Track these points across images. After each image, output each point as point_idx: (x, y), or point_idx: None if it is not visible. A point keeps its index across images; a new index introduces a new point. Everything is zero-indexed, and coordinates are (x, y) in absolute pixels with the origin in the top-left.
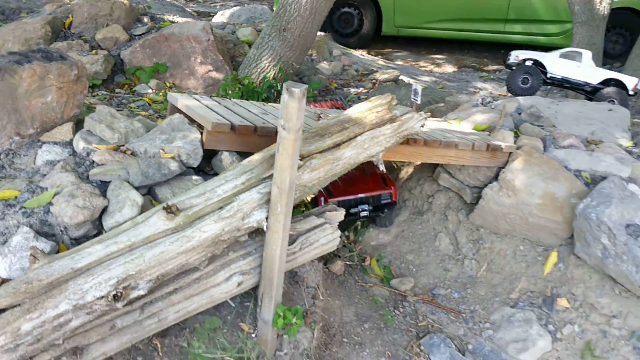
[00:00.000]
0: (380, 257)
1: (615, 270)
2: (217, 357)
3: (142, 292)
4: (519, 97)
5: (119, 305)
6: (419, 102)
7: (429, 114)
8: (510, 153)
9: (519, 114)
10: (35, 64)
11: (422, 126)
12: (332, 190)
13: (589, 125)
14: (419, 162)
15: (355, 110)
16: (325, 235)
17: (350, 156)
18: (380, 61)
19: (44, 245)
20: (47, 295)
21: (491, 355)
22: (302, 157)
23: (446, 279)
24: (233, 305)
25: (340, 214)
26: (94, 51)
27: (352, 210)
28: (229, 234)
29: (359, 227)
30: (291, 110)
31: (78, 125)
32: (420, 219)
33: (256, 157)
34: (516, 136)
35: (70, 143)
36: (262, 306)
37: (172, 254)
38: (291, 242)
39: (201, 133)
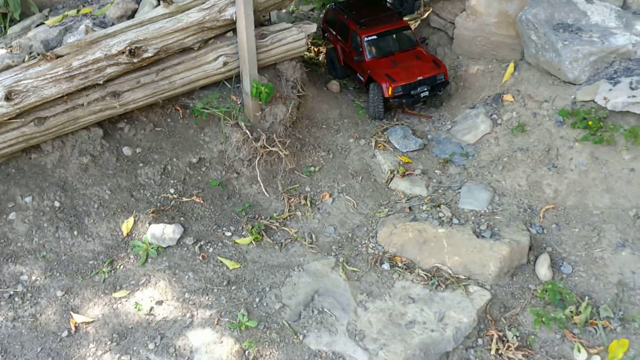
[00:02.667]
0: None
1: (543, 61)
2: (211, 111)
3: (150, 54)
4: None
5: (135, 60)
6: None
7: None
8: None
9: None
10: None
11: None
12: (394, 77)
13: None
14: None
15: None
16: (292, 35)
17: None
18: None
19: (98, 28)
20: (88, 48)
21: (444, 140)
22: None
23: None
24: (229, 86)
25: (312, 27)
26: None
27: (413, 92)
28: (210, 23)
29: None
30: None
31: None
32: None
33: None
34: None
35: None
36: (243, 82)
37: (169, 30)
38: (262, 38)
39: None
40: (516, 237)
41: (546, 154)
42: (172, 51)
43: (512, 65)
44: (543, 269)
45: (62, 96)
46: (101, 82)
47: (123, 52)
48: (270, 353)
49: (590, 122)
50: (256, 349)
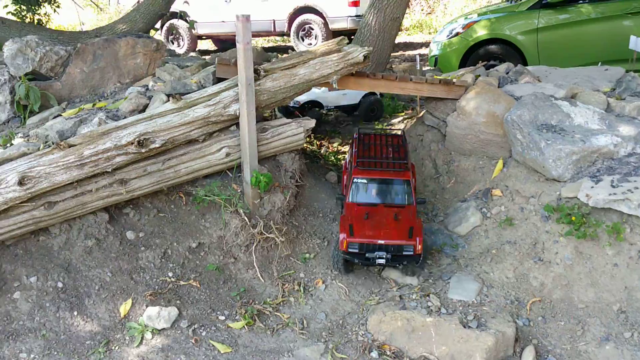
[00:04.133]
0: None
1: (529, 159)
2: (212, 198)
3: (157, 145)
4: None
5: (143, 150)
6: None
7: (371, 48)
8: (467, 88)
9: (507, 73)
10: (129, 38)
11: (365, 57)
12: (356, 231)
13: (575, 79)
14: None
15: (312, 47)
16: (291, 129)
17: (304, 73)
18: None
19: (110, 121)
20: (99, 138)
21: (436, 231)
22: (266, 72)
23: (423, 191)
24: (230, 175)
25: (311, 123)
26: None
27: (368, 255)
28: (215, 117)
29: None
30: (240, 30)
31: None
32: (414, 154)
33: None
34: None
35: (148, 87)
36: (243, 171)
37: (176, 124)
38: (264, 131)
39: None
40: (502, 329)
41: (533, 247)
42: (178, 142)
43: (501, 162)
44: None
45: (72, 182)
46: (110, 169)
47: (132, 143)
48: None
49: (573, 218)
50: None
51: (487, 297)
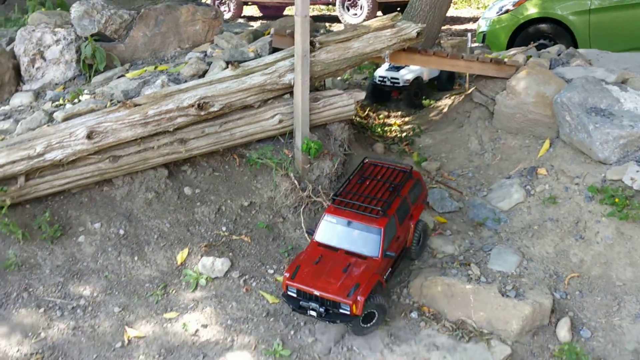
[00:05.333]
0: (421, 150)
1: (576, 140)
2: (264, 161)
3: (216, 109)
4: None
5: (202, 113)
6: None
7: (424, 25)
8: (518, 68)
9: (558, 55)
10: (190, 5)
11: (418, 34)
12: (298, 273)
13: (627, 64)
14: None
15: (357, 18)
16: (342, 100)
17: (358, 47)
18: None
19: (172, 84)
20: (163, 99)
21: (479, 205)
22: (321, 44)
23: (468, 166)
24: (282, 140)
25: (361, 94)
26: None
27: (302, 303)
28: (270, 85)
29: (410, 134)
30: (299, 3)
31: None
32: (460, 129)
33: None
34: None
35: (206, 54)
36: (295, 138)
37: (234, 90)
38: (316, 101)
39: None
40: (539, 299)
41: (574, 226)
42: (235, 107)
43: (547, 142)
44: (563, 331)
45: (136, 139)
46: (171, 129)
47: (193, 106)
48: None
49: (617, 200)
50: None
51: (526, 270)
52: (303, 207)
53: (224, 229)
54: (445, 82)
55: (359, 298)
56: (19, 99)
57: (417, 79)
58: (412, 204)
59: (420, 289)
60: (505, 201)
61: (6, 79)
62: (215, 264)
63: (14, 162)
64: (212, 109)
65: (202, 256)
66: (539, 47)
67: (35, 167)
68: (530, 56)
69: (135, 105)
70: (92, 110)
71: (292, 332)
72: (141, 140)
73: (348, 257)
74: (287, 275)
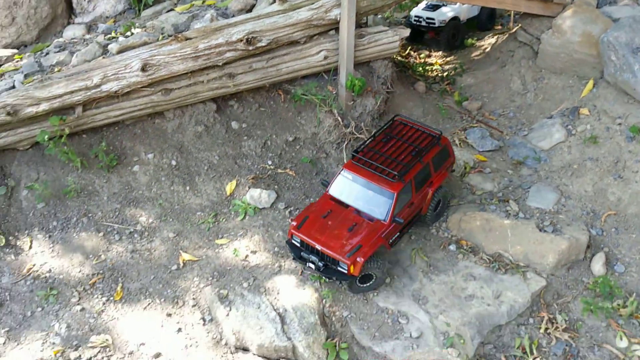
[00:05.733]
0: (462, 90)
1: (621, 80)
2: (309, 97)
3: (263, 44)
4: None
5: (250, 47)
6: None
7: None
8: (565, 6)
9: None
10: None
11: None
12: (305, 225)
13: None
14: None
15: None
16: (387, 37)
17: None
18: None
19: (221, 18)
20: (212, 34)
21: (519, 144)
22: None
23: (509, 106)
24: (326, 77)
25: (406, 31)
26: None
27: (304, 254)
28: (317, 21)
29: (451, 74)
30: None
31: None
32: (503, 69)
33: None
34: None
35: None
36: (339, 75)
37: (281, 25)
38: (361, 37)
39: None
40: (576, 235)
41: (614, 165)
42: (281, 43)
43: (591, 82)
44: (598, 266)
45: (187, 73)
46: (220, 64)
47: (241, 40)
48: (343, 304)
49: None
50: (331, 298)
51: (564, 207)
52: (345, 143)
53: (269, 162)
54: (486, 22)
55: (358, 259)
56: (72, 31)
57: (454, 19)
58: (435, 171)
59: (459, 223)
60: (546, 140)
61: (59, 12)
62: (262, 196)
63: (72, 92)
64: (259, 44)
65: (249, 188)
66: None
67: (92, 98)
68: None
69: (187, 39)
70: (145, 43)
71: None
72: (191, 74)
73: (356, 217)
74: (294, 224)
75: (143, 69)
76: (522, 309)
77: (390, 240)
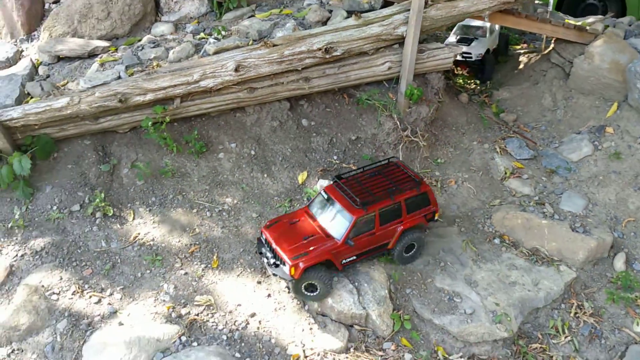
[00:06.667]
0: (499, 103)
1: None
2: (372, 102)
3: (338, 53)
4: None
5: (327, 56)
6: None
7: None
8: (596, 35)
9: (630, 25)
10: None
11: None
12: (274, 224)
13: None
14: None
15: None
16: (444, 53)
17: (463, 6)
18: None
19: (300, 28)
20: (296, 42)
21: (551, 155)
22: (432, 2)
23: (541, 120)
24: (387, 85)
25: (460, 49)
26: None
27: (263, 250)
28: (385, 36)
29: (488, 87)
30: None
31: None
32: (536, 87)
33: None
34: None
35: (322, 2)
36: (400, 84)
37: (355, 37)
38: (421, 52)
39: None
40: (603, 236)
41: (634, 179)
42: (353, 53)
43: (615, 104)
44: (619, 263)
45: (270, 74)
46: (299, 68)
47: (320, 49)
48: (406, 283)
49: None
50: (397, 278)
51: (591, 212)
52: (402, 144)
53: (335, 157)
54: (504, 50)
55: (300, 264)
56: (160, 29)
57: (487, 52)
58: (408, 213)
59: (502, 220)
60: (575, 153)
61: (148, 9)
62: None
63: (175, 85)
64: (335, 53)
65: (318, 179)
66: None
67: (190, 92)
68: (608, 25)
69: (274, 45)
70: (237, 47)
71: None
72: (273, 76)
73: (317, 231)
74: (267, 223)
75: (236, 70)
76: (556, 296)
77: (343, 261)
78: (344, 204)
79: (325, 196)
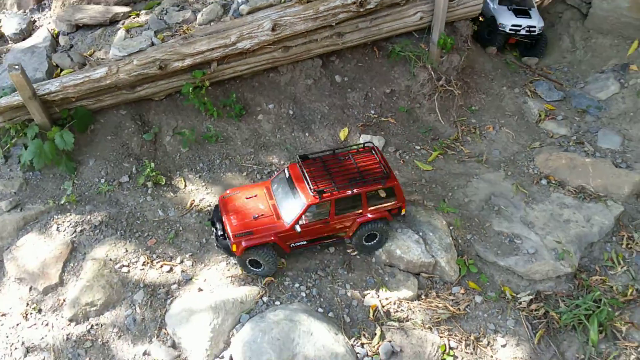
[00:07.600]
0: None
1: None
2: (405, 54)
3: (372, 6)
4: None
5: (361, 9)
6: None
7: None
8: None
9: None
10: None
11: None
12: (229, 197)
13: None
14: None
15: None
16: (473, 0)
17: None
18: None
19: None
20: None
21: (579, 96)
22: None
23: (562, 62)
24: (417, 35)
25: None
26: None
27: (215, 220)
28: None
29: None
30: None
31: None
32: (552, 29)
33: None
34: None
35: None
36: (432, 33)
37: None
38: (452, 0)
39: None
40: None
41: None
42: (385, 4)
43: (636, 42)
44: None
45: (304, 32)
46: (333, 24)
47: (354, 3)
48: (467, 230)
49: None
50: (457, 225)
51: (628, 147)
52: (437, 94)
53: (372, 112)
54: None
55: (243, 243)
56: None
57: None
58: (369, 205)
59: (546, 162)
60: (602, 92)
61: None
62: (374, 141)
63: (212, 49)
64: (369, 6)
65: (360, 134)
66: None
67: (227, 54)
68: None
69: (308, 1)
70: (270, 5)
71: (449, 194)
72: (307, 33)
73: (269, 210)
74: (227, 192)
75: (273, 29)
76: (608, 230)
77: (292, 244)
78: (301, 187)
79: (287, 175)
